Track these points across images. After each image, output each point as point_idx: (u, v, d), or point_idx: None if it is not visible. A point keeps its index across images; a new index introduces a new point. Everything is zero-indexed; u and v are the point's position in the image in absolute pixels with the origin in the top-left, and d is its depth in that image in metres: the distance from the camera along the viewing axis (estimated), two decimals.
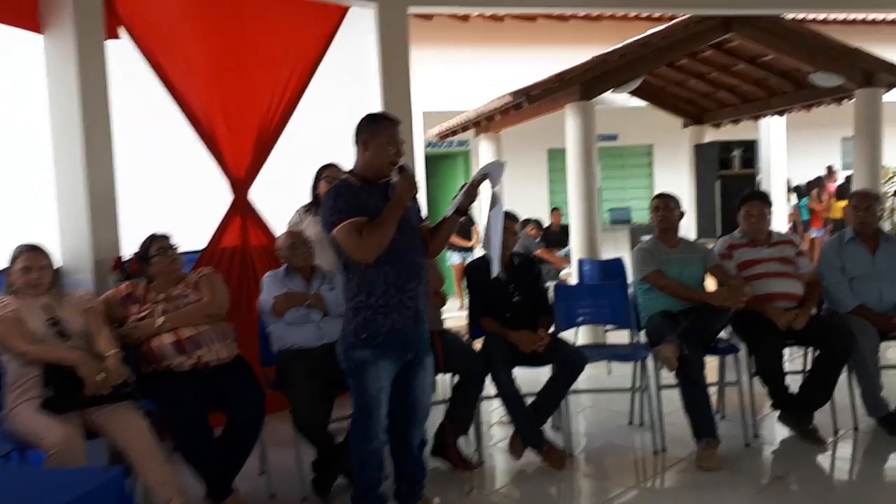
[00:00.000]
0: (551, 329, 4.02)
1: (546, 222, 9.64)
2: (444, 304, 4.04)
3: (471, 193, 2.81)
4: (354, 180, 2.79)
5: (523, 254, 4.26)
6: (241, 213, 4.57)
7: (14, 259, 3.12)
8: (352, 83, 5.13)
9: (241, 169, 4.60)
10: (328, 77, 4.91)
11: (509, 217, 4.01)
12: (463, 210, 2.86)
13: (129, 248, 3.80)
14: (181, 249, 3.57)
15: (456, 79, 9.19)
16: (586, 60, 6.37)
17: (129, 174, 4.29)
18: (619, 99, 8.74)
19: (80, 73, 3.76)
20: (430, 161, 10.29)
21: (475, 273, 4.03)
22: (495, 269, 2.96)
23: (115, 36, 4.11)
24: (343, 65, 5.02)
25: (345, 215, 2.68)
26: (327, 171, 4.25)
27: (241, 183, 4.60)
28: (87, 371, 2.92)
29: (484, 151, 8.99)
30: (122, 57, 4.14)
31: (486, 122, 8.22)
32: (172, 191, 4.65)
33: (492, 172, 2.81)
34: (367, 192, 2.75)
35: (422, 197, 2.97)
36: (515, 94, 6.57)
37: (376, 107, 5.04)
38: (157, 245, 3.47)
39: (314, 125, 4.97)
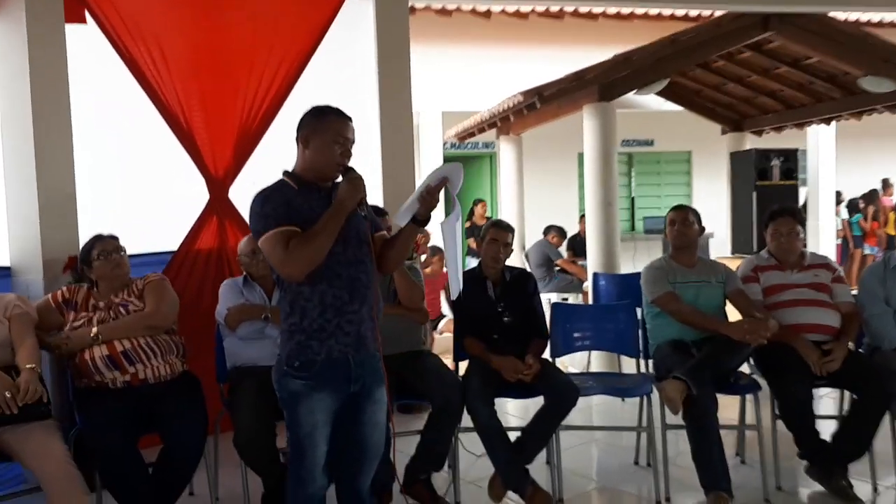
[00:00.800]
0: (545, 354, 3.56)
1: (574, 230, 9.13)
2: (425, 320, 3.62)
3: (429, 200, 2.38)
4: (290, 182, 2.38)
5: (517, 268, 3.80)
6: (219, 213, 4.22)
7: None
8: (348, 79, 4.73)
9: (219, 168, 4.25)
10: (322, 72, 4.53)
11: (501, 227, 3.57)
12: (422, 219, 2.43)
13: None
14: (153, 250, 3.23)
15: (478, 78, 8.74)
16: (606, 59, 5.86)
17: (99, 169, 3.99)
18: (653, 102, 8.21)
19: (31, 58, 3.45)
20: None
21: (465, 287, 3.60)
22: (454, 290, 2.52)
23: (79, 20, 3.79)
24: (339, 59, 4.63)
25: (272, 223, 2.28)
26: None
27: (219, 182, 4.25)
28: None
29: (505, 154, 8.53)
30: (92, 43, 3.82)
31: (503, 122, 7.76)
32: (147, 188, 4.30)
33: (450, 176, 2.37)
34: (304, 197, 2.35)
35: (374, 202, 2.55)
36: (527, 93, 6.11)
37: (373, 104, 4.65)
38: (100, 247, 3.13)
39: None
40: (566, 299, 7.30)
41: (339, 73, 4.69)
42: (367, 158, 4.35)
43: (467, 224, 9.27)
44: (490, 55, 8.80)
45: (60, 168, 3.59)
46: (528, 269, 6.51)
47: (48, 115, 3.52)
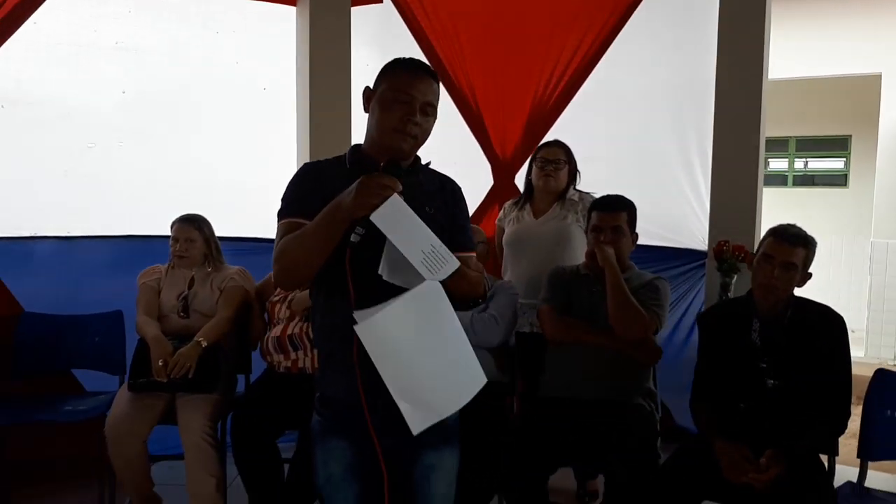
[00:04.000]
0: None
1: None
2: (649, 360, 2.56)
3: None
4: (345, 159, 1.77)
5: (814, 304, 2.34)
6: (501, 200, 3.76)
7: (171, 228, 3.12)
8: (671, 42, 3.70)
9: (507, 151, 3.82)
10: (635, 42, 3.66)
11: (782, 237, 2.29)
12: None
13: None
14: None
15: None
16: None
17: None
18: None
19: (312, 42, 3.56)
20: None
21: (715, 323, 2.43)
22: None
23: (376, 0, 3.80)
24: (658, 25, 3.66)
25: (282, 211, 1.75)
26: (542, 152, 3.12)
27: (506, 166, 3.82)
28: (153, 354, 2.74)
29: None
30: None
31: None
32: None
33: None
34: (348, 182, 1.59)
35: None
36: None
37: (708, 73, 3.51)
38: None
39: (623, 94, 3.79)
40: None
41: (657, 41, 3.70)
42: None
43: None
44: None
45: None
46: None
47: (328, 103, 3.58)
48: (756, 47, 3.41)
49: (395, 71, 1.69)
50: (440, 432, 1.65)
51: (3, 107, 3.20)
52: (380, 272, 1.52)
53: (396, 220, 1.47)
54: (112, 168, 3.41)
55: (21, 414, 2.95)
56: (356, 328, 1.47)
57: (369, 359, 1.63)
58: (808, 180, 8.06)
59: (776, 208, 7.04)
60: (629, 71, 3.75)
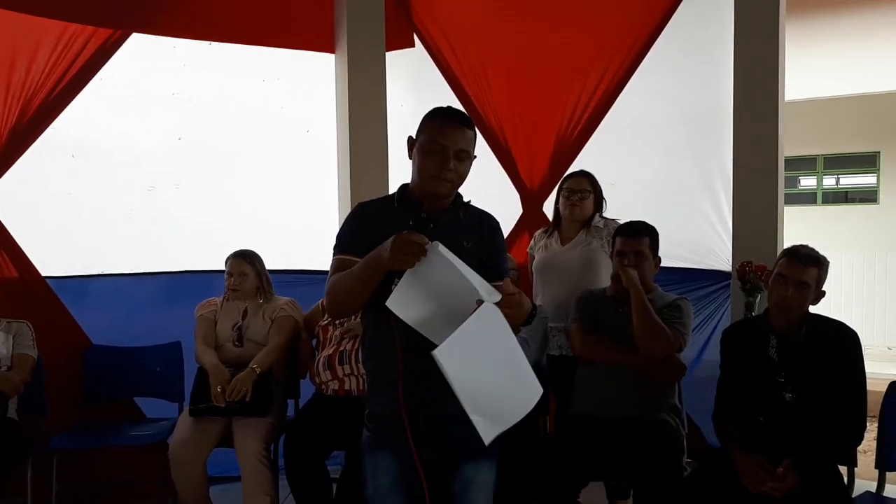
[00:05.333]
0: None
1: None
2: (674, 377, 2.71)
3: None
4: (395, 197, 1.99)
5: (827, 320, 2.48)
6: (530, 228, 3.95)
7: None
8: (689, 68, 3.88)
9: (535, 181, 4.02)
10: (655, 71, 3.84)
11: (795, 257, 2.43)
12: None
13: None
14: None
15: None
16: None
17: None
18: None
19: (350, 86, 3.82)
20: None
21: (736, 340, 2.57)
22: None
23: (407, 45, 4.06)
24: (676, 53, 3.84)
25: (337, 247, 1.98)
26: (568, 182, 3.29)
27: (533, 196, 4.01)
28: (212, 381, 2.97)
29: None
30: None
31: None
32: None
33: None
34: (395, 219, 1.90)
35: None
36: None
37: (726, 97, 3.68)
38: None
39: (644, 122, 3.96)
40: None
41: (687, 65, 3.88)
42: None
43: None
44: None
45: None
46: None
47: (365, 137, 3.82)
48: (771, 69, 3.55)
49: (433, 122, 1.91)
50: (478, 448, 1.85)
51: (73, 156, 3.50)
52: (386, 304, 1.70)
53: (437, 277, 1.66)
54: (171, 209, 3.70)
55: (90, 439, 3.20)
56: (435, 354, 1.61)
57: (411, 378, 1.85)
58: (839, 197, 8.10)
59: (805, 226, 7.12)
60: (650, 99, 3.91)
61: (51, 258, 3.43)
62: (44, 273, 3.41)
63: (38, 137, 3.36)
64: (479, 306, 1.64)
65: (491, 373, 1.70)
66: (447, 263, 1.65)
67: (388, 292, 1.73)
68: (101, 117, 3.54)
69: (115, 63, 3.50)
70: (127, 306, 3.64)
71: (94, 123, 3.53)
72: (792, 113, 6.39)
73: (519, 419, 1.76)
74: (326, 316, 3.17)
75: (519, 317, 1.87)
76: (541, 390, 1.79)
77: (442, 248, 1.65)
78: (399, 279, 1.72)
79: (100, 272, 3.57)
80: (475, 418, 1.67)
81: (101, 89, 3.50)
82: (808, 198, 8.11)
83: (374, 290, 1.80)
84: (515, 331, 1.78)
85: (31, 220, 3.40)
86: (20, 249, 3.35)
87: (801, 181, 8.56)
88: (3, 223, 3.32)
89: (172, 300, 3.67)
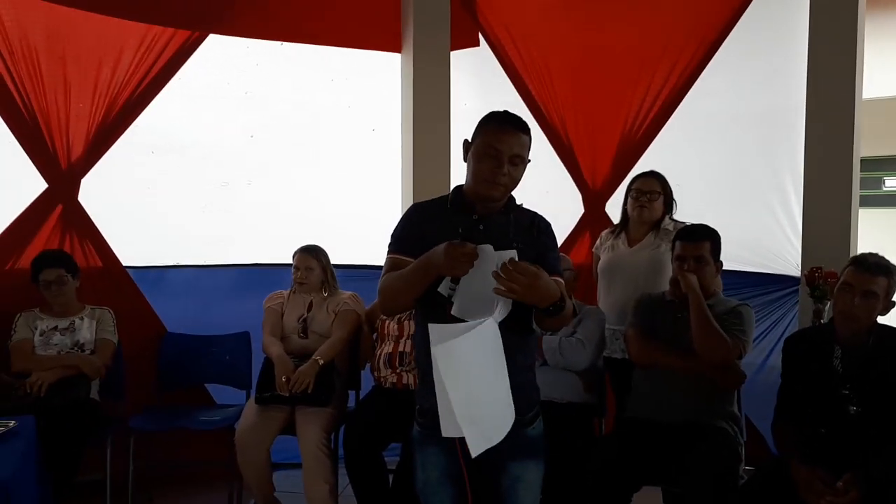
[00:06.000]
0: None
1: None
2: (734, 384, 2.65)
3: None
4: (449, 198, 2.01)
5: (888, 331, 2.39)
6: (592, 228, 3.95)
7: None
8: (760, 66, 3.77)
9: (598, 180, 4.00)
10: (724, 69, 3.76)
11: (863, 267, 2.36)
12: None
13: None
14: None
15: None
16: None
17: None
18: None
19: (416, 85, 3.88)
20: None
21: (799, 348, 2.51)
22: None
23: (472, 44, 4.09)
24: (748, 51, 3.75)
25: (391, 246, 2.04)
26: (637, 183, 3.25)
27: (596, 194, 3.99)
28: (277, 371, 3.08)
29: None
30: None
31: None
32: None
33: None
34: (449, 220, 1.93)
35: None
36: None
37: (799, 95, 3.57)
38: None
39: (713, 121, 3.89)
40: None
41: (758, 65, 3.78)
42: None
43: None
44: None
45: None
46: None
47: (430, 140, 3.87)
48: (847, 68, 3.45)
49: (488, 126, 1.93)
50: (525, 446, 1.88)
51: (153, 153, 3.69)
52: (452, 312, 1.76)
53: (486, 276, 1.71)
54: (243, 203, 3.85)
55: (164, 422, 3.37)
56: (433, 347, 1.67)
57: None
58: None
59: (888, 230, 6.77)
60: (719, 97, 3.84)
61: (131, 249, 3.63)
62: (125, 263, 3.62)
63: (122, 134, 3.56)
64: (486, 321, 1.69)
65: (482, 386, 1.72)
66: (492, 263, 1.69)
67: (437, 290, 1.80)
68: (179, 115, 3.71)
69: (192, 63, 3.67)
70: (201, 296, 3.81)
71: (172, 121, 3.71)
72: (876, 110, 6.14)
73: (497, 441, 1.76)
74: None
75: (562, 325, 1.90)
76: (512, 417, 1.79)
77: (489, 249, 1.70)
78: (452, 283, 1.77)
79: (175, 263, 3.75)
80: (465, 427, 1.68)
81: (179, 88, 3.67)
82: (893, 200, 7.71)
83: (424, 291, 1.86)
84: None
85: (113, 213, 3.60)
86: (104, 240, 3.56)
87: (887, 182, 8.16)
88: (89, 215, 3.52)
89: (242, 291, 3.82)
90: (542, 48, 4.00)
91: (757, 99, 3.78)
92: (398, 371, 3.09)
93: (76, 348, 3.21)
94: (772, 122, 3.77)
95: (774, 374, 3.45)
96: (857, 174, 3.51)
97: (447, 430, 1.71)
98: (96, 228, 3.54)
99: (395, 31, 4.02)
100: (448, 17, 3.90)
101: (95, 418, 3.08)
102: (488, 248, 1.72)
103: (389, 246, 2.02)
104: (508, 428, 1.80)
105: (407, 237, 1.99)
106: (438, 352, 1.65)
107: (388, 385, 3.11)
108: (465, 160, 1.98)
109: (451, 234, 1.87)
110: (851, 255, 3.39)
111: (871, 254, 2.37)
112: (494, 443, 1.75)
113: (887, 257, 2.39)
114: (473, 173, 1.93)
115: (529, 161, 1.94)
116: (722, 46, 3.75)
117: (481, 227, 1.92)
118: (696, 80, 3.80)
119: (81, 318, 3.27)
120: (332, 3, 3.90)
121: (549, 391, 2.73)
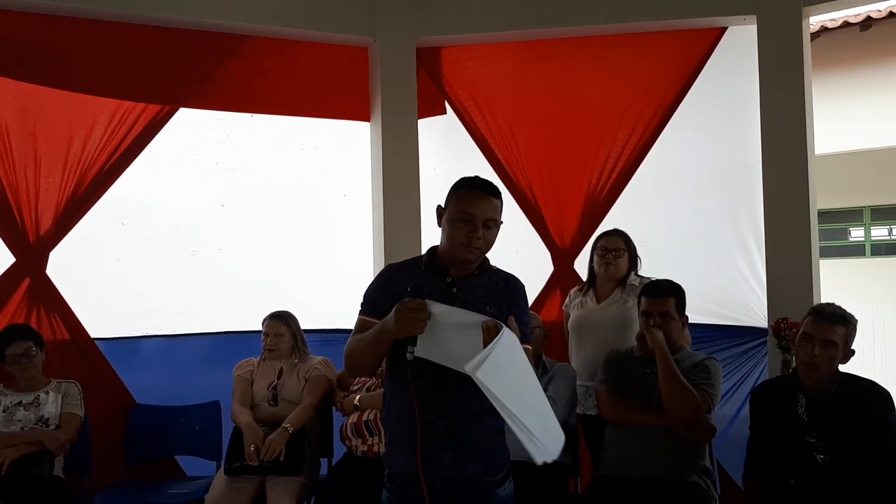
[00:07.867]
0: None
1: None
2: (703, 437, 2.65)
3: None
4: (423, 260, 2.05)
5: (858, 378, 2.43)
6: (562, 285, 3.97)
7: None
8: (718, 126, 3.91)
9: (566, 239, 4.05)
10: (682, 129, 3.90)
11: (822, 317, 2.41)
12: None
13: None
14: None
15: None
16: None
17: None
18: None
19: (385, 152, 3.97)
20: None
21: (765, 399, 2.53)
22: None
23: (439, 112, 4.20)
24: (704, 111, 3.89)
25: (363, 307, 2.05)
26: (602, 241, 3.32)
27: (565, 252, 4.04)
28: (246, 440, 3.04)
29: None
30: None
31: None
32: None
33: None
34: (423, 281, 1.91)
35: None
36: None
37: (755, 153, 3.71)
38: None
39: (674, 179, 3.99)
40: None
41: (715, 120, 3.92)
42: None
43: None
44: None
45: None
46: None
47: (400, 205, 3.94)
48: (798, 125, 3.61)
49: (461, 192, 1.98)
50: None
51: (123, 224, 3.71)
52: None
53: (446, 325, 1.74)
54: (213, 271, 3.85)
55: (131, 498, 3.27)
56: (474, 375, 1.66)
57: (429, 439, 1.90)
58: (892, 249, 7.85)
59: (853, 279, 6.91)
60: (679, 157, 3.95)
61: (101, 319, 3.60)
62: (94, 334, 3.58)
63: (91, 207, 3.58)
64: (501, 331, 1.72)
65: (523, 393, 1.75)
66: (450, 310, 1.73)
67: (405, 352, 1.81)
68: (149, 186, 3.75)
69: (162, 135, 3.72)
70: (171, 366, 3.77)
71: (142, 192, 3.74)
72: (837, 164, 6.34)
73: (555, 456, 1.78)
74: (356, 379, 3.25)
75: None
76: (563, 438, 1.82)
77: (437, 305, 1.74)
78: (412, 347, 1.79)
79: (145, 333, 3.73)
80: (521, 436, 1.71)
81: (150, 159, 3.72)
82: (857, 250, 7.89)
83: (386, 354, 1.87)
84: None
85: (83, 284, 3.59)
86: (72, 312, 3.53)
87: (853, 233, 8.35)
88: (57, 287, 3.51)
89: (212, 360, 3.79)
90: (507, 114, 4.11)
91: (717, 157, 3.91)
92: (369, 441, 3.06)
93: (40, 423, 3.14)
94: (732, 179, 3.89)
95: (748, 425, 3.48)
96: (815, 226, 3.62)
97: (539, 456, 1.73)
98: (64, 301, 3.52)
99: (364, 101, 4.12)
100: (415, 86, 4.02)
101: (60, 496, 3.00)
102: (437, 305, 1.75)
103: (361, 306, 2.05)
104: (561, 446, 1.83)
105: (377, 299, 2.01)
106: (482, 374, 1.65)
107: (359, 453, 3.07)
108: (440, 225, 2.02)
109: (434, 291, 1.90)
110: (815, 304, 3.46)
111: (828, 304, 2.43)
112: (555, 457, 1.77)
113: (858, 306, 2.45)
114: (448, 237, 1.97)
115: (502, 223, 1.98)
116: (681, 106, 3.88)
117: (454, 289, 1.96)
118: (655, 140, 3.91)
119: (47, 393, 3.21)
120: (301, 75, 4.00)
121: (523, 451, 2.71)
